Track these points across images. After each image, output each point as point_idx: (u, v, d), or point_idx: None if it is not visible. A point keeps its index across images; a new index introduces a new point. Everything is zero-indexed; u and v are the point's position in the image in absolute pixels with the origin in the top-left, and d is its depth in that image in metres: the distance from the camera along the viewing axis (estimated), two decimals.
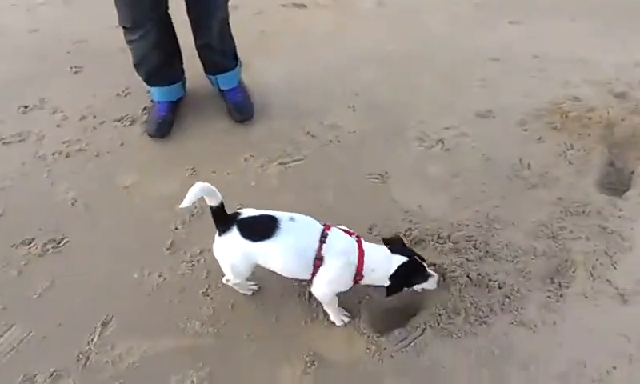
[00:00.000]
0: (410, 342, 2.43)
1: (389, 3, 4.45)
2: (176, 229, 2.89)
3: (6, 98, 3.64)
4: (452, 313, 2.50)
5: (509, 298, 2.57)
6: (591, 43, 4.10)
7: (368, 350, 2.41)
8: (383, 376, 2.34)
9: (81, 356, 2.42)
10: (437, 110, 3.53)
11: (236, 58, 3.44)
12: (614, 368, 2.35)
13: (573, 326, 2.49)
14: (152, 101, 3.44)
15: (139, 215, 2.98)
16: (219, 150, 3.24)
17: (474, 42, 4.12)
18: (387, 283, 2.32)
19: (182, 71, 3.45)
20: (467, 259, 2.69)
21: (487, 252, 2.75)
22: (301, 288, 2.62)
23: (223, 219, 2.28)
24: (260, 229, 2.25)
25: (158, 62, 3.22)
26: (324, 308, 2.52)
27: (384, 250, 2.35)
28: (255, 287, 2.66)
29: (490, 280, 2.62)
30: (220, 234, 2.30)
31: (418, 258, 2.35)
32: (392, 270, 2.29)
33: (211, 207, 2.24)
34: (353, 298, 2.58)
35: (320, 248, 2.24)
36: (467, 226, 2.87)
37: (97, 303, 2.61)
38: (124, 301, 2.62)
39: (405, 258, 2.31)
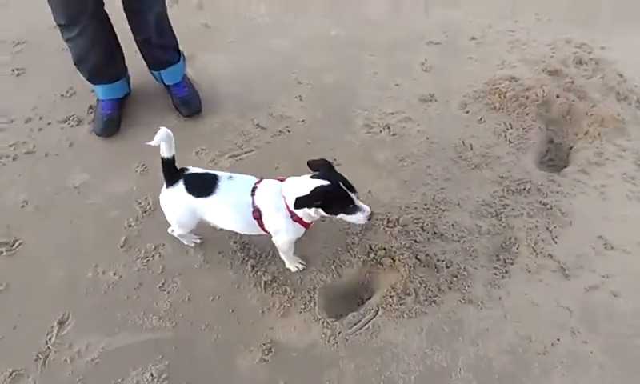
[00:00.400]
0: (364, 325, 2.47)
1: None
2: (129, 226, 2.84)
3: None
4: (402, 294, 2.54)
5: (456, 276, 2.63)
6: (525, 23, 4.18)
7: (324, 335, 2.43)
8: (338, 359, 2.37)
9: (40, 355, 2.39)
10: (382, 95, 3.54)
11: (178, 51, 3.37)
12: (558, 340, 2.44)
13: (518, 301, 2.57)
14: (97, 99, 3.34)
15: (91, 214, 2.92)
16: None
17: (413, 26, 4.14)
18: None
19: (125, 68, 3.36)
20: (416, 241, 2.74)
21: (435, 233, 2.80)
22: (257, 278, 2.62)
23: (172, 172, 2.38)
24: (202, 186, 2.37)
25: (99, 60, 3.13)
26: (281, 256, 2.63)
27: (303, 180, 2.30)
28: (198, 240, 2.73)
29: (438, 260, 2.67)
30: (167, 186, 2.40)
31: (342, 185, 2.22)
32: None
33: (163, 159, 2.32)
34: (309, 284, 2.60)
35: (253, 201, 2.35)
36: (415, 208, 2.91)
37: (52, 303, 2.57)
38: (80, 299, 2.58)
39: (324, 182, 2.22)
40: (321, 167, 2.32)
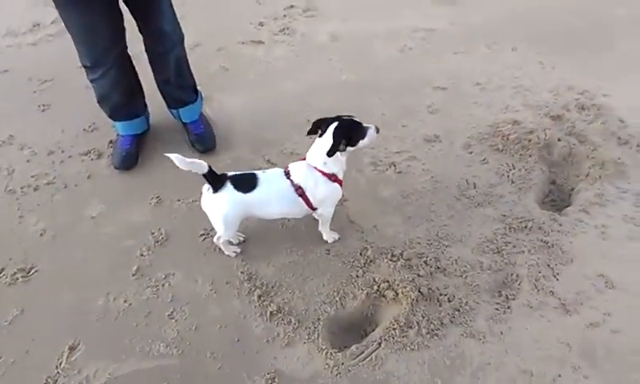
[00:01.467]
0: (367, 357, 2.42)
1: (342, 37, 4.48)
2: (141, 255, 2.85)
3: None
4: (405, 327, 2.50)
5: (458, 310, 2.58)
6: (529, 70, 4.20)
7: (326, 366, 2.39)
8: None
9: (49, 380, 2.37)
10: (388, 135, 3.54)
11: (196, 91, 3.44)
12: (559, 376, 2.37)
13: (520, 336, 2.51)
14: (117, 134, 3.40)
15: (105, 243, 2.94)
16: (183, 179, 3.17)
17: (421, 71, 4.17)
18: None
19: (145, 106, 3.43)
20: (418, 275, 2.70)
21: (438, 268, 2.77)
22: (262, 308, 2.60)
23: (216, 178, 2.52)
24: (247, 183, 2.55)
25: (120, 99, 3.20)
26: (320, 228, 2.86)
27: (317, 142, 2.58)
28: (239, 250, 2.86)
29: (440, 294, 2.64)
30: (215, 191, 2.53)
31: (346, 117, 2.55)
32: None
33: (203, 175, 2.47)
34: (313, 315, 2.57)
35: (292, 181, 2.57)
36: (419, 243, 2.89)
37: (65, 329, 2.57)
38: (91, 326, 2.58)
39: (334, 123, 2.51)
40: (322, 124, 2.58)
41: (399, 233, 2.95)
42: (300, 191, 2.57)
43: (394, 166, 3.33)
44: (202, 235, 2.93)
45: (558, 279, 2.73)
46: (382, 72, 4.16)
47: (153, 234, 2.95)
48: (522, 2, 4.96)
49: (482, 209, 3.09)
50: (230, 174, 2.57)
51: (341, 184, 2.65)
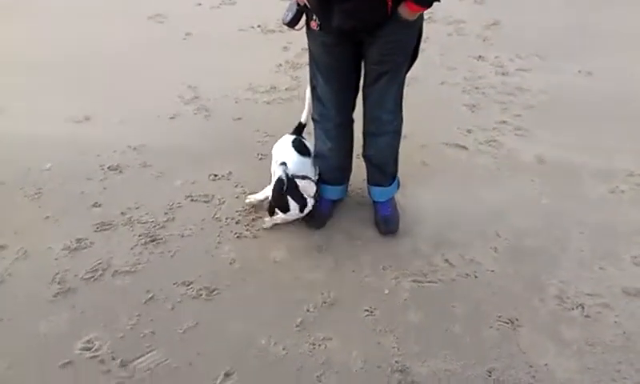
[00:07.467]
0: None
1: (549, 162, 4.16)
2: (308, 311, 2.86)
3: (201, 168, 3.99)
4: None
5: None
6: None
7: None
8: None
9: None
10: (582, 272, 3.16)
11: (394, 177, 3.44)
12: None
13: None
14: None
15: (280, 289, 3.02)
16: (362, 253, 3.22)
17: (633, 219, 3.66)
18: None
19: (349, 175, 3.55)
20: None
21: None
22: None
23: None
24: None
25: (336, 162, 3.38)
26: None
27: None
28: None
29: None
30: None
31: None
32: None
33: None
34: None
35: None
36: None
37: (225, 354, 2.66)
38: (248, 361, 2.63)
39: None
40: None
41: (573, 380, 2.55)
42: None
43: (582, 307, 2.92)
44: (366, 311, 2.85)
45: None
46: (587, 207, 3.74)
47: (322, 294, 2.96)
48: None
49: None
50: None
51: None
